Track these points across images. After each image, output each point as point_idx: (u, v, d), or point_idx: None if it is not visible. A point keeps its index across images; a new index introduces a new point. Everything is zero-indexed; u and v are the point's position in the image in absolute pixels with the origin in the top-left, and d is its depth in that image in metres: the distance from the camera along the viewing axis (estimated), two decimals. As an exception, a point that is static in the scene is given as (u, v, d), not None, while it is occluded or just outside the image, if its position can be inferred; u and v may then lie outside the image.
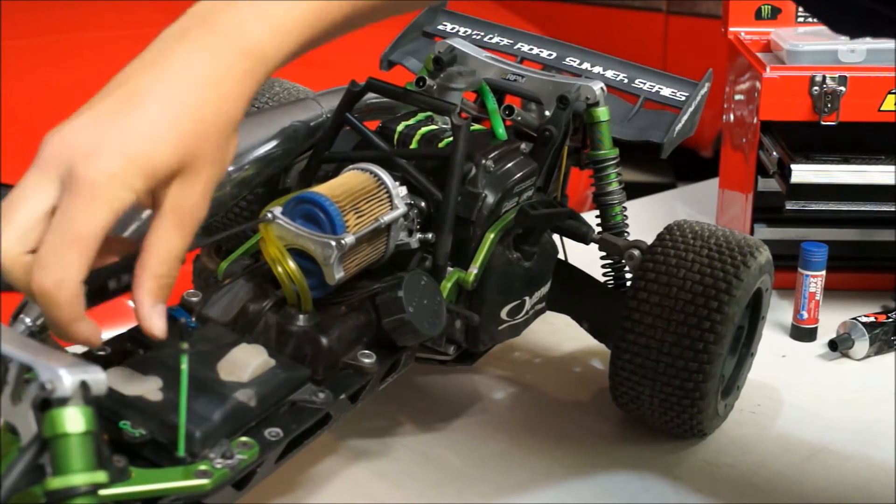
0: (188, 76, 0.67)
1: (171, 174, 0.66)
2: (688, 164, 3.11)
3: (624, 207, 1.04)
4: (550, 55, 1.09)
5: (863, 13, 0.72)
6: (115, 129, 0.64)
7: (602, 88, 0.99)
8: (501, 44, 1.11)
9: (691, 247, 0.95)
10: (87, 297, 0.64)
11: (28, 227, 0.64)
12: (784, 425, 1.03)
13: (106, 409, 0.69)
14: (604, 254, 1.04)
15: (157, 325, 0.67)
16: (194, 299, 0.83)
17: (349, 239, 0.80)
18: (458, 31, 1.12)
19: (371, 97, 0.97)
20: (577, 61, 1.08)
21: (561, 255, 1.03)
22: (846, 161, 1.22)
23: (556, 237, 1.01)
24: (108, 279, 0.68)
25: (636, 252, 0.98)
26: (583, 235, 1.01)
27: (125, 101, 0.66)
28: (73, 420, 0.60)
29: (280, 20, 0.70)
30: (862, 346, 1.14)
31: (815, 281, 1.16)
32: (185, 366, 0.69)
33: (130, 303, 0.75)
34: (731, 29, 1.36)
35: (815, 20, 1.34)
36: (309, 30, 0.71)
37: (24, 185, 0.65)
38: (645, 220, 1.26)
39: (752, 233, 1.27)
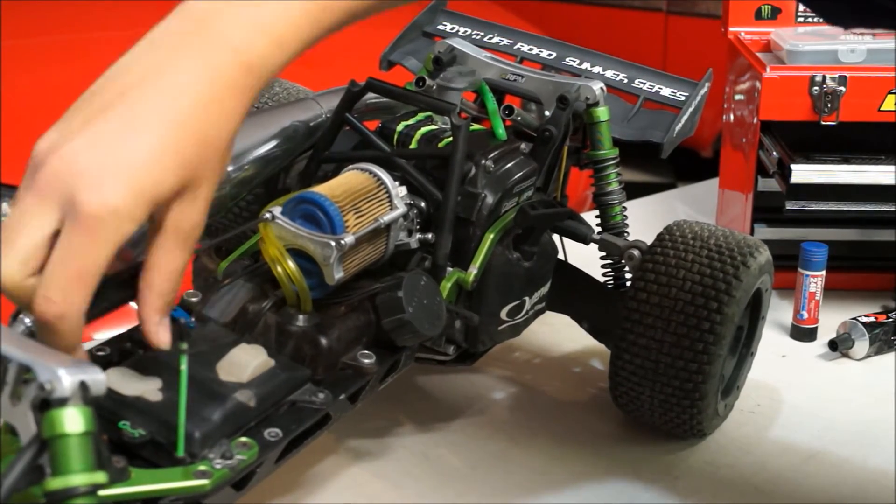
0: (190, 94, 0.65)
1: (172, 197, 0.65)
2: (688, 164, 3.11)
3: (624, 207, 1.04)
4: (550, 55, 1.09)
5: (858, 3, 0.71)
6: (116, 154, 0.63)
7: (602, 88, 0.99)
8: (501, 44, 1.10)
9: (691, 247, 0.95)
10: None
11: (30, 253, 0.63)
12: (784, 425, 1.03)
13: (105, 409, 0.69)
14: (604, 254, 1.04)
15: (164, 339, 0.69)
16: (194, 299, 0.83)
17: (349, 239, 0.80)
18: (458, 31, 1.12)
19: (371, 97, 0.97)
20: (577, 61, 1.08)
21: (561, 255, 1.02)
22: (846, 161, 1.22)
23: (556, 237, 1.01)
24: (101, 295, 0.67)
25: (636, 252, 0.98)
26: (583, 235, 1.01)
27: (126, 122, 0.64)
28: (73, 420, 0.60)
29: (282, 30, 0.68)
30: (862, 346, 1.14)
31: (815, 281, 1.16)
32: (184, 366, 0.69)
33: (131, 302, 0.75)
34: (731, 29, 1.36)
35: (814, 20, 1.35)
36: (308, 34, 0.70)
37: (24, 208, 0.63)
38: (645, 220, 1.26)
39: (752, 233, 1.27)
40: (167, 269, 0.67)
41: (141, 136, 0.64)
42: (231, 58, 0.67)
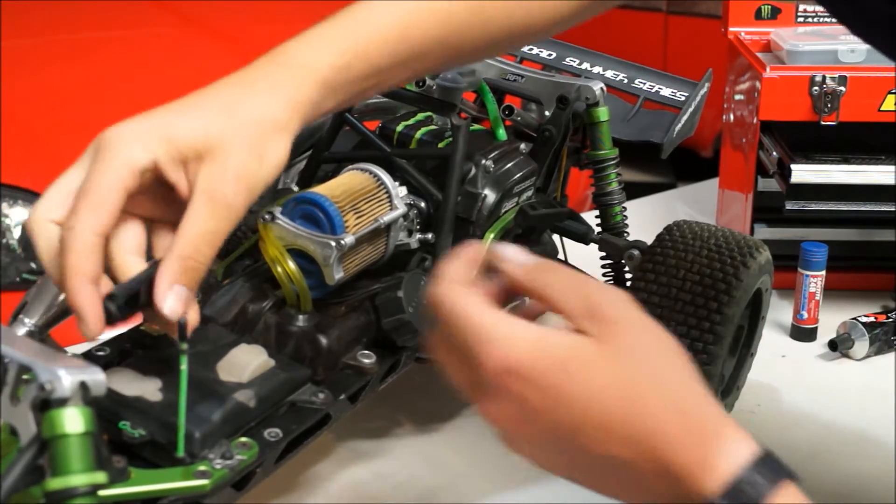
0: (226, 81, 0.70)
1: (196, 150, 0.67)
2: (688, 164, 3.11)
3: (624, 208, 1.04)
4: (550, 55, 1.09)
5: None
6: (150, 112, 0.68)
7: (602, 88, 0.99)
8: (501, 44, 1.10)
9: (691, 247, 0.95)
10: (120, 307, 0.65)
11: (58, 200, 0.67)
12: (784, 425, 1.03)
13: (105, 409, 0.69)
14: (604, 254, 1.04)
15: (169, 305, 0.66)
16: (194, 299, 0.82)
17: (349, 239, 0.80)
18: (458, 31, 1.11)
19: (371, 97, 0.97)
20: (577, 61, 1.08)
21: (561, 255, 1.02)
22: (846, 161, 1.22)
23: (556, 237, 1.01)
24: (139, 288, 0.67)
25: (636, 252, 0.98)
26: (583, 235, 1.01)
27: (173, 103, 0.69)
28: (73, 421, 0.60)
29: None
30: (862, 346, 1.14)
31: (815, 281, 1.16)
32: (184, 366, 0.69)
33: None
34: (731, 29, 1.36)
35: (814, 20, 1.35)
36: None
37: (67, 170, 0.68)
38: (645, 220, 1.26)
39: (752, 233, 1.27)
40: (190, 229, 0.67)
41: (175, 104, 0.69)
42: (272, 60, 0.72)
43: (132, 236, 0.69)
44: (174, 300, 0.67)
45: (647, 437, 0.58)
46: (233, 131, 0.68)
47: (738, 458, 0.57)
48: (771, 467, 0.57)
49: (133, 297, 0.67)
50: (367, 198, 0.84)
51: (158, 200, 0.69)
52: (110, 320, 0.65)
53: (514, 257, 0.63)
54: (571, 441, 0.59)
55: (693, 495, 0.57)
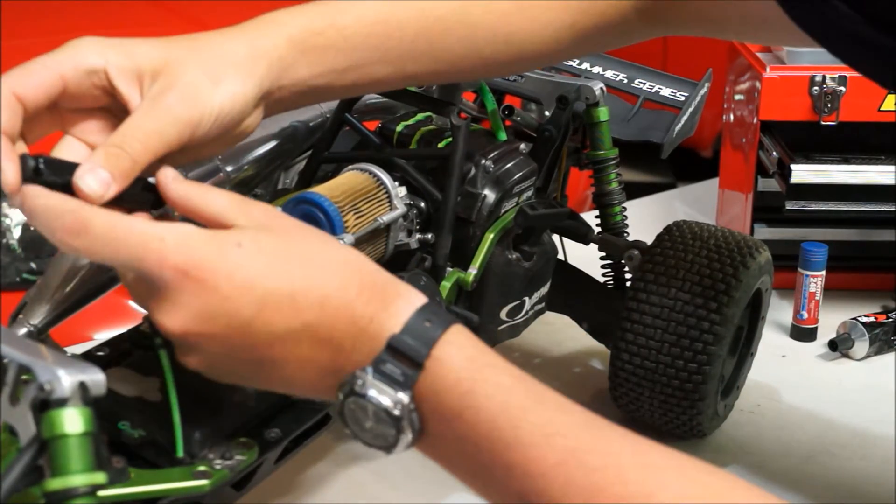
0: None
1: (153, 68, 0.68)
2: (688, 164, 3.11)
3: (624, 208, 1.04)
4: (550, 55, 1.09)
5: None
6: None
7: (602, 88, 0.99)
8: (501, 44, 1.10)
9: (690, 247, 0.95)
10: (38, 168, 0.63)
11: None
12: (784, 425, 1.03)
13: (105, 409, 0.69)
14: (604, 254, 1.04)
15: (86, 181, 0.64)
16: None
17: (348, 239, 0.80)
18: (458, 31, 1.11)
19: (371, 97, 0.97)
20: (577, 61, 1.08)
21: (561, 256, 1.02)
22: (846, 161, 1.22)
23: (556, 237, 1.01)
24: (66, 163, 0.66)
25: (636, 252, 0.98)
26: (583, 235, 1.01)
27: None
28: (72, 421, 0.60)
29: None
30: (862, 346, 1.14)
31: (815, 281, 1.16)
32: (166, 361, 0.69)
33: (131, 302, 0.75)
34: (731, 29, 1.36)
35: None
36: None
37: None
38: (645, 220, 1.26)
39: (752, 233, 1.27)
40: (125, 125, 0.66)
41: None
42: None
43: (72, 154, 0.68)
44: (92, 178, 0.64)
45: (332, 294, 0.62)
46: (191, 55, 0.69)
47: (415, 302, 0.63)
48: (441, 310, 0.64)
49: (58, 168, 0.64)
50: (367, 198, 0.84)
51: (109, 131, 0.69)
52: (28, 176, 0.62)
53: (166, 174, 0.66)
54: (253, 325, 0.62)
55: (379, 339, 0.62)
